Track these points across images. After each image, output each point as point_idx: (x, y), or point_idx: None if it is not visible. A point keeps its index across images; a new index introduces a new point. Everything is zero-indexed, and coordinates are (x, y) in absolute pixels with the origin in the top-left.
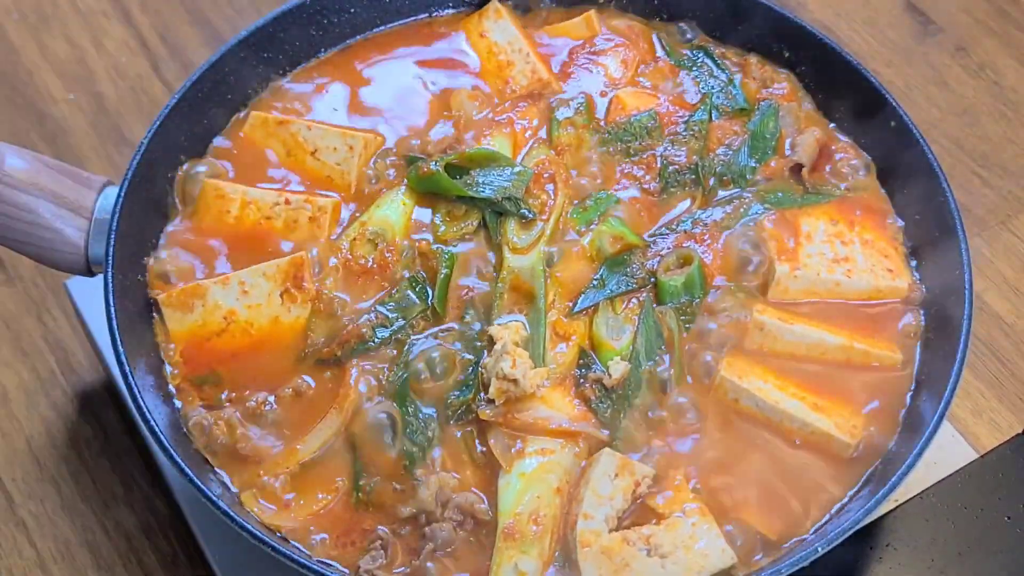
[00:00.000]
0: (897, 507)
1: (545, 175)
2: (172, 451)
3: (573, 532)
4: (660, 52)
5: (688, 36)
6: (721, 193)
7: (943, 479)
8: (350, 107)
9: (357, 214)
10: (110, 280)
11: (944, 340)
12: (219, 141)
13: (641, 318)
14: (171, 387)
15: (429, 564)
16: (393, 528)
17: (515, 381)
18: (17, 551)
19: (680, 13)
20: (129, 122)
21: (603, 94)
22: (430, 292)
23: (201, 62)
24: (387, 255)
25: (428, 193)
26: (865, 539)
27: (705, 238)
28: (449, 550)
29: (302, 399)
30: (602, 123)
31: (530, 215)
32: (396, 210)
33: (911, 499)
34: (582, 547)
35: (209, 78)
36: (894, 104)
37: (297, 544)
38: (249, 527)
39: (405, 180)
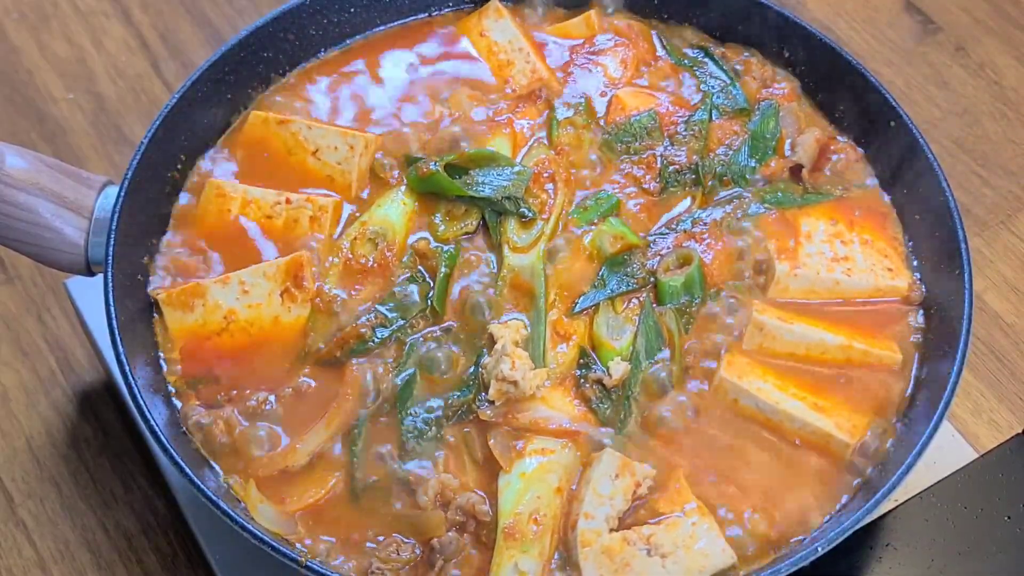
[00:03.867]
0: (897, 507)
1: (545, 175)
2: (172, 450)
3: (574, 532)
4: (660, 52)
5: (688, 36)
6: (721, 193)
7: (943, 479)
8: (350, 106)
9: (357, 214)
10: (110, 280)
11: (944, 340)
12: (219, 141)
13: (641, 318)
14: (171, 386)
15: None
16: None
17: (515, 383)
18: (17, 551)
19: (680, 13)
20: (129, 122)
21: (603, 94)
22: (431, 291)
23: (201, 62)
24: (387, 255)
25: (428, 193)
26: (865, 539)
27: (705, 237)
28: (460, 558)
29: (302, 399)
30: (602, 123)
31: (530, 215)
32: (396, 210)
33: (911, 499)
34: (583, 547)
35: (209, 78)
36: (894, 104)
37: (297, 544)
38: (249, 527)
39: (405, 180)
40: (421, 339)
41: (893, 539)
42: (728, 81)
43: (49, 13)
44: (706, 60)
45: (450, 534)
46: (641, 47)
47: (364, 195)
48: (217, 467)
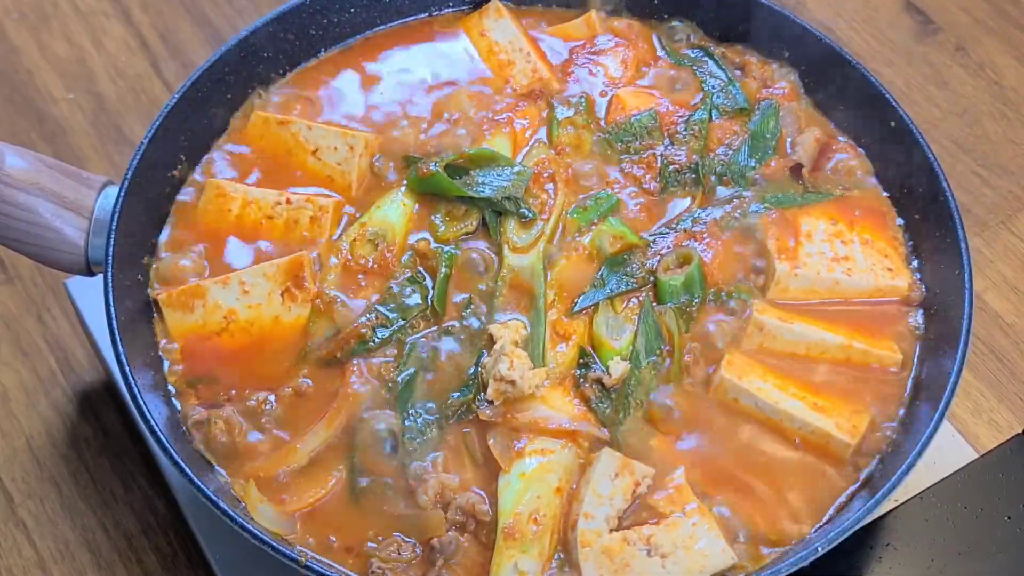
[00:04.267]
0: (897, 507)
1: (545, 175)
2: (172, 450)
3: (574, 532)
4: (660, 52)
5: (688, 35)
6: (721, 192)
7: (943, 479)
8: (350, 107)
9: (357, 214)
10: (110, 280)
11: (944, 340)
12: (219, 141)
13: (641, 318)
14: (171, 387)
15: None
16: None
17: (512, 382)
18: (17, 551)
19: (680, 13)
20: (129, 122)
21: (603, 94)
22: (430, 291)
23: (201, 62)
24: (387, 255)
25: (428, 193)
26: (865, 539)
27: (705, 237)
28: (458, 559)
29: (302, 399)
30: (602, 123)
31: (530, 215)
32: (396, 210)
33: (911, 499)
34: (582, 547)
35: (209, 78)
36: (894, 104)
37: (297, 544)
38: (249, 527)
39: (405, 180)
40: (422, 339)
41: (893, 539)
42: (728, 81)
43: (49, 13)
44: (706, 60)
45: (450, 534)
46: (641, 47)
47: (364, 195)
48: (217, 467)
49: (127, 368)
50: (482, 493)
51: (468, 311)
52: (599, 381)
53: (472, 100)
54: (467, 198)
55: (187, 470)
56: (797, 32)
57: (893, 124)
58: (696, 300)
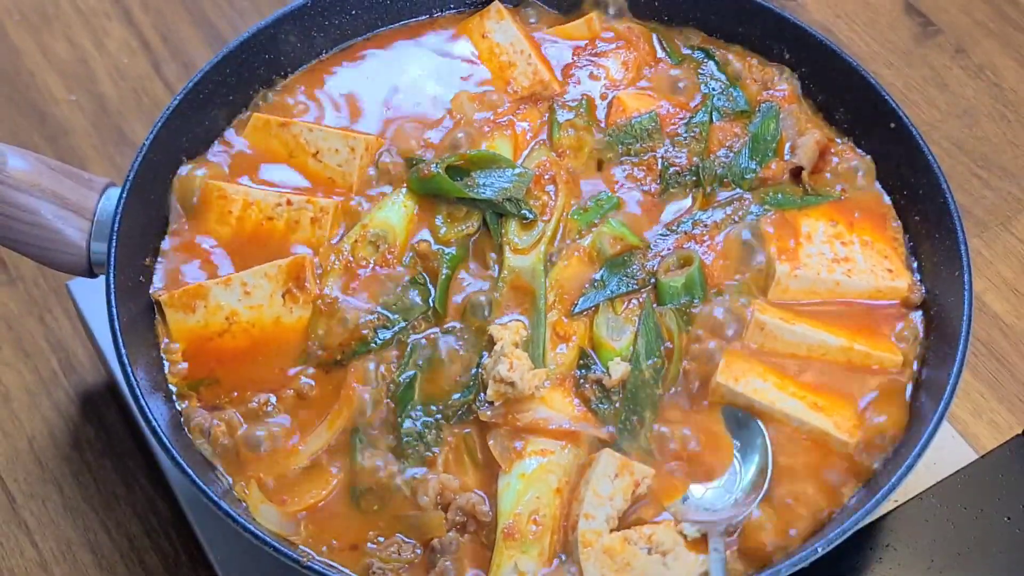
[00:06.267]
0: (897, 507)
1: (546, 176)
2: (174, 451)
3: (574, 532)
4: (661, 53)
5: (689, 38)
6: (721, 194)
7: (943, 480)
8: (351, 108)
9: (359, 214)
10: (112, 281)
11: (944, 341)
12: (220, 142)
13: (641, 319)
14: (173, 388)
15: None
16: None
17: (512, 383)
18: (19, 551)
19: (681, 15)
20: (131, 123)
21: (604, 96)
22: (432, 293)
23: (203, 63)
24: (388, 257)
25: (429, 195)
26: (865, 539)
27: (705, 239)
28: (460, 558)
29: (304, 400)
30: (603, 124)
31: (531, 216)
32: (397, 212)
33: (911, 499)
34: (583, 547)
35: (210, 79)
36: (894, 106)
37: (299, 545)
38: (251, 528)
39: (406, 182)
40: (423, 340)
41: (893, 540)
42: (728, 83)
43: (50, 14)
44: (707, 62)
45: (450, 534)
46: (642, 49)
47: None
48: (219, 468)
49: (129, 369)
50: (482, 494)
51: (469, 312)
52: (599, 382)
53: (473, 102)
54: (468, 199)
55: (189, 471)
56: (797, 34)
57: (893, 126)
58: (697, 301)
